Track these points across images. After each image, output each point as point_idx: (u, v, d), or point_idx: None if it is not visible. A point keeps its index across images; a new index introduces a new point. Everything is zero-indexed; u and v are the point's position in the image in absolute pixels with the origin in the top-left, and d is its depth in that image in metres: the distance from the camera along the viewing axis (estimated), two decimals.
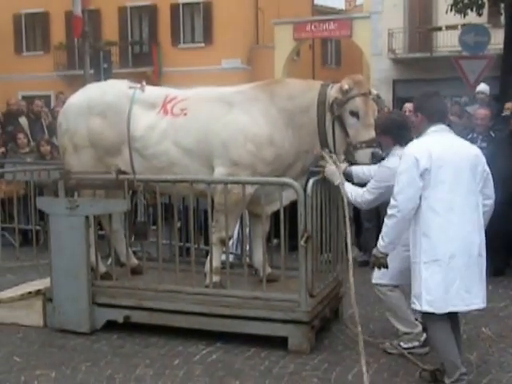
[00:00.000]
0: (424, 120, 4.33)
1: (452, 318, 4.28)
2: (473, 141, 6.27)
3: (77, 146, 5.76)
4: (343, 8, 36.52)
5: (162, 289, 5.42)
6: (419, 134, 4.39)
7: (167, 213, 6.12)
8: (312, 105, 5.27)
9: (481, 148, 4.75)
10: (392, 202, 4.17)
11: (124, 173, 5.55)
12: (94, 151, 5.72)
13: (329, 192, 5.26)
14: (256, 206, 5.43)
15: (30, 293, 5.76)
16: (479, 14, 14.97)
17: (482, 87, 10.64)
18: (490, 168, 4.34)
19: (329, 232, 5.39)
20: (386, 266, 4.34)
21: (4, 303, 5.81)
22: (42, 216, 6.78)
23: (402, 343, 4.95)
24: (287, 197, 5.20)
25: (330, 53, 33.04)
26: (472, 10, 14.78)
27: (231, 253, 6.58)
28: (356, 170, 5.24)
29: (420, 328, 4.95)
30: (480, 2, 14.66)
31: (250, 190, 5.26)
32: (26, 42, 30.49)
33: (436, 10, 24.67)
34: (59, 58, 29.28)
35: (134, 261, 6.10)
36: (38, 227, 8.08)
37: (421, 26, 25.74)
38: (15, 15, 29.94)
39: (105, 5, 27.88)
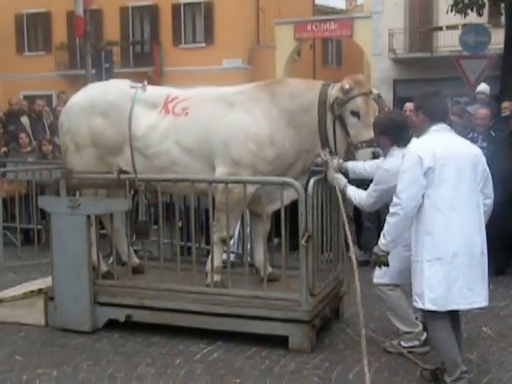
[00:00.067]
0: (425, 119, 4.33)
1: (453, 316, 4.29)
2: (473, 140, 6.27)
3: (78, 145, 5.78)
4: (344, 8, 36.54)
5: (163, 288, 5.44)
6: (420, 134, 4.39)
7: (168, 212, 6.12)
8: (313, 104, 5.28)
9: (481, 148, 4.76)
10: (395, 200, 4.17)
11: (125, 172, 5.56)
12: (96, 151, 5.73)
13: (329, 191, 5.27)
14: (257, 206, 5.44)
15: (31, 292, 5.77)
16: (479, 14, 14.95)
17: (483, 87, 10.64)
18: (490, 168, 4.34)
19: (329, 231, 5.40)
20: (387, 264, 4.35)
21: (6, 302, 5.82)
22: (44, 215, 6.78)
23: (402, 342, 4.96)
24: (288, 196, 5.21)
25: (330, 53, 33.04)
26: (472, 10, 14.77)
27: (232, 252, 6.59)
28: (351, 165, 5.20)
29: (420, 327, 4.96)
30: (480, 2, 14.65)
31: (250, 189, 5.28)
32: (27, 41, 30.50)
33: (436, 10, 24.66)
34: (61, 58, 29.29)
35: (136, 260, 6.12)
36: (39, 226, 8.07)
37: (421, 26, 25.73)
38: (17, 15, 29.97)
39: (106, 5, 27.89)
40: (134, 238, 6.46)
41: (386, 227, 4.25)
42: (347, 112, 5.16)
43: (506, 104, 9.27)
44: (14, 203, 8.10)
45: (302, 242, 4.92)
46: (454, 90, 15.74)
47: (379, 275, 4.87)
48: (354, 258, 4.55)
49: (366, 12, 27.48)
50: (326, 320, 5.41)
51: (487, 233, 4.28)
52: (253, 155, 5.29)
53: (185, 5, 28.39)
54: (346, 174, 5.20)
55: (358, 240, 8.19)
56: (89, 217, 5.45)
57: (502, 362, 4.83)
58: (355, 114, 5.14)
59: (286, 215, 5.19)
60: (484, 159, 4.31)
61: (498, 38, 15.64)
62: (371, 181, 4.89)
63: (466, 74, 12.84)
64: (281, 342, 5.04)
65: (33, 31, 30.50)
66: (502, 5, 14.64)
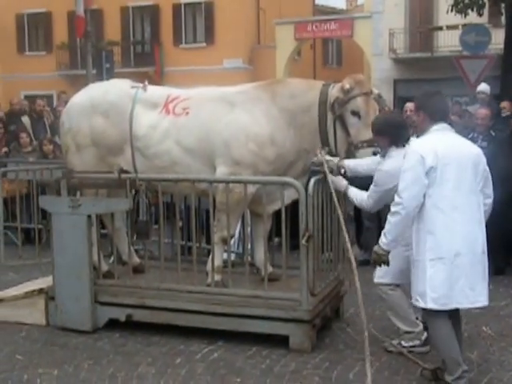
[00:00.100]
0: (426, 119, 4.33)
1: (453, 315, 4.29)
2: (473, 140, 6.27)
3: (79, 145, 5.79)
4: (344, 8, 36.56)
5: (163, 287, 5.45)
6: (421, 133, 4.40)
7: (169, 212, 6.13)
8: (313, 104, 5.29)
9: (481, 147, 4.75)
10: (396, 199, 4.17)
11: (126, 172, 5.57)
12: (97, 150, 5.74)
13: (330, 191, 5.27)
14: (257, 205, 5.44)
15: (32, 291, 5.78)
16: (480, 14, 14.96)
17: (483, 87, 10.64)
18: (490, 168, 4.35)
19: (330, 231, 5.40)
20: (388, 264, 4.35)
21: (7, 302, 5.83)
22: (45, 215, 6.78)
23: (403, 342, 4.97)
24: (288, 196, 5.22)
25: (331, 53, 33.03)
26: (473, 10, 14.77)
27: (233, 252, 6.60)
28: (350, 164, 5.15)
29: (421, 327, 4.97)
30: (481, 2, 14.65)
31: (251, 189, 5.28)
32: (28, 41, 30.50)
33: (437, 10, 24.66)
34: (61, 58, 29.30)
35: (136, 259, 6.12)
36: (40, 226, 8.09)
37: (422, 26, 25.74)
38: (18, 15, 29.96)
39: (107, 5, 27.88)
40: (135, 237, 6.48)
41: (387, 226, 4.25)
42: (348, 112, 5.16)
43: (504, 104, 9.28)
44: (14, 203, 8.12)
45: (303, 241, 4.93)
46: (455, 90, 15.74)
47: (380, 275, 4.88)
48: (353, 259, 4.56)
49: (367, 12, 27.47)
50: (326, 319, 5.41)
51: (487, 232, 4.28)
52: (253, 155, 5.30)
53: (185, 5, 28.39)
54: (345, 172, 5.20)
55: (358, 239, 8.20)
56: (89, 216, 5.45)
57: (502, 362, 4.83)
58: (356, 113, 5.15)
59: (286, 215, 5.19)
60: (484, 159, 4.31)
61: (498, 38, 15.64)
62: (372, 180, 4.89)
63: (466, 73, 12.85)
64: (281, 341, 5.05)
65: (34, 31, 30.51)
66: (503, 5, 14.64)
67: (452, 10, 15.01)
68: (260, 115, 5.35)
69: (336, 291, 5.64)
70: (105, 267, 5.92)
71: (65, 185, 5.55)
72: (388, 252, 4.30)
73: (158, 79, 25.82)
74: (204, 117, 5.47)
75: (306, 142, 5.35)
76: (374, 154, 5.12)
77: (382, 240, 4.28)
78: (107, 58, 16.54)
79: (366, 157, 5.14)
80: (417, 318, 5.00)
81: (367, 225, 7.87)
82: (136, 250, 6.41)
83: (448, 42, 22.59)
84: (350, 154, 5.23)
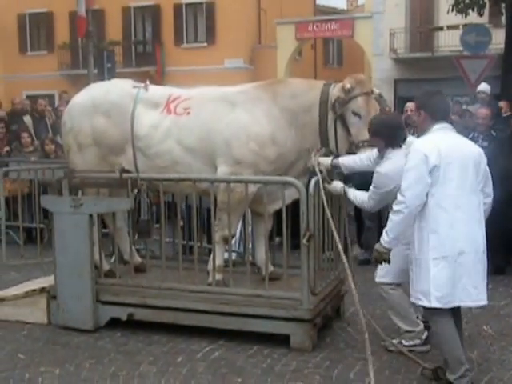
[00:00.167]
0: (427, 118, 4.33)
1: (455, 314, 4.30)
2: (474, 140, 6.29)
3: (81, 144, 5.80)
4: (345, 8, 36.56)
5: (165, 287, 5.46)
6: (422, 133, 4.40)
7: (170, 211, 6.15)
8: (314, 104, 5.30)
9: (482, 147, 4.76)
10: (399, 197, 4.17)
11: (127, 171, 5.58)
12: (98, 150, 5.75)
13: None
14: (258, 205, 5.45)
15: (34, 290, 5.80)
16: (480, 14, 14.97)
17: (483, 87, 10.65)
18: (490, 167, 4.36)
19: (331, 230, 5.41)
20: (389, 262, 4.36)
21: (8, 301, 5.84)
22: (46, 214, 6.81)
23: (403, 341, 4.97)
24: (289, 195, 5.23)
25: (331, 52, 33.04)
26: (473, 10, 14.78)
27: (234, 251, 6.61)
28: (343, 161, 5.13)
29: (421, 326, 4.98)
30: (481, 2, 14.67)
31: (252, 188, 5.30)
32: (30, 41, 30.50)
33: (437, 10, 24.68)
34: (63, 58, 29.31)
35: (138, 259, 6.13)
36: (42, 225, 8.12)
37: (422, 26, 25.73)
38: (19, 15, 29.97)
39: (108, 5, 27.89)
40: (136, 236, 6.48)
41: (389, 224, 4.25)
42: (349, 111, 5.17)
43: (501, 104, 9.29)
44: (16, 202, 8.14)
45: (304, 241, 4.94)
46: (455, 90, 15.73)
47: (381, 274, 4.89)
48: (345, 260, 4.57)
49: (367, 12, 27.46)
50: (327, 319, 5.42)
51: (487, 231, 4.29)
52: (254, 155, 5.31)
53: (186, 5, 28.40)
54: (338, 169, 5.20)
55: (358, 239, 8.22)
56: (91, 216, 5.47)
57: (502, 361, 4.84)
58: (356, 113, 5.15)
59: (287, 214, 5.20)
60: (485, 159, 4.32)
61: (498, 38, 15.65)
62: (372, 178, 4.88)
63: (466, 73, 12.85)
64: (282, 340, 5.06)
65: (35, 31, 30.51)
66: (503, 5, 14.65)
67: (452, 10, 15.02)
68: (261, 115, 5.36)
69: (337, 290, 5.66)
70: (106, 266, 5.94)
71: (66, 184, 5.56)
72: (389, 250, 4.31)
73: (159, 79, 25.82)
74: (205, 116, 5.49)
75: (307, 141, 5.36)
76: None
77: (384, 238, 4.29)
78: (109, 57, 16.56)
79: None
80: (417, 318, 5.01)
81: (368, 224, 7.88)
82: (137, 250, 6.42)
83: (448, 41, 22.58)
84: (350, 154, 5.23)
